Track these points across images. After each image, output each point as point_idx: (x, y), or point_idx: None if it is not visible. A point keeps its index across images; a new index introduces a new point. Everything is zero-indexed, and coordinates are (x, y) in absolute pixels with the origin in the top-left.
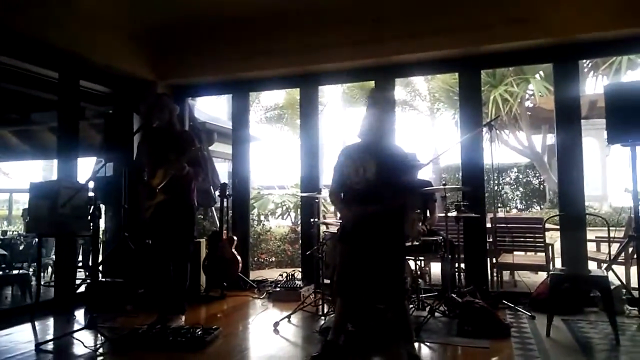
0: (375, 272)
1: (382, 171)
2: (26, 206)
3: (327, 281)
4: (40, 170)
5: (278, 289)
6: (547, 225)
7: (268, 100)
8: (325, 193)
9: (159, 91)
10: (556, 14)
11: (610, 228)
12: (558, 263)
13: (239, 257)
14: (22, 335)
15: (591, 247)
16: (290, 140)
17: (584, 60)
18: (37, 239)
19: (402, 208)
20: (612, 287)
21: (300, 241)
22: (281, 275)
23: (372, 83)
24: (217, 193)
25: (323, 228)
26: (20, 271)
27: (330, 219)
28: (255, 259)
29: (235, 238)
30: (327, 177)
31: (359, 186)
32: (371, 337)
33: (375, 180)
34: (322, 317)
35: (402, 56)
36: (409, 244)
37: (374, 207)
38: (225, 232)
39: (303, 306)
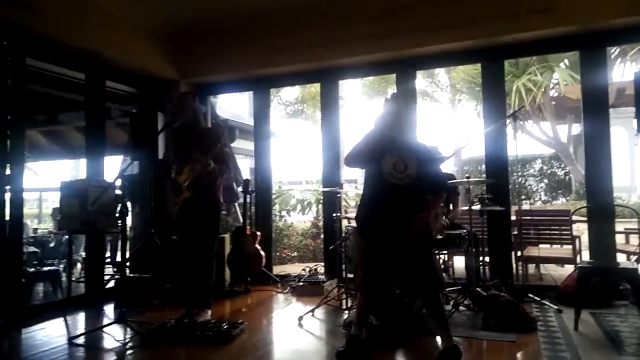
0: (406, 267)
1: (412, 169)
2: (55, 204)
3: (350, 275)
4: (67, 169)
5: (301, 284)
6: (574, 217)
7: (289, 95)
8: (346, 187)
9: (181, 90)
10: (582, 1)
11: None
12: (585, 256)
13: (262, 252)
14: (55, 330)
15: (620, 239)
16: (311, 135)
17: (611, 48)
18: (67, 236)
19: (427, 201)
20: None
21: (322, 236)
22: (304, 269)
23: (393, 76)
24: (240, 189)
25: (345, 222)
26: (52, 267)
27: (352, 214)
28: (278, 253)
29: (258, 233)
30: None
31: (387, 179)
32: (395, 330)
33: (404, 178)
34: (346, 311)
35: (423, 48)
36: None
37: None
38: (248, 227)
39: (326, 300)
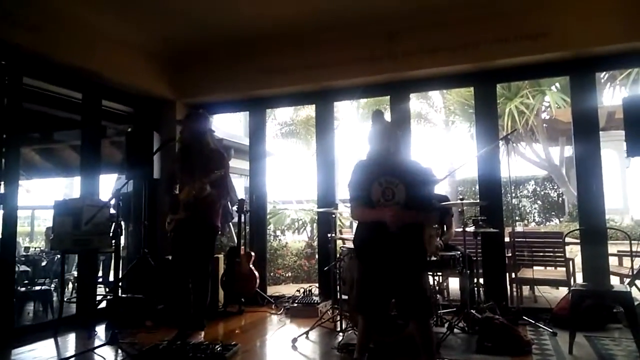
0: (398, 288)
1: (399, 196)
2: (48, 223)
3: (344, 297)
4: (61, 187)
5: (295, 305)
6: (567, 240)
7: (284, 116)
8: (341, 208)
9: (178, 110)
10: (571, 28)
11: (633, 242)
12: (579, 278)
13: (256, 273)
14: (45, 351)
15: (613, 261)
16: (305, 155)
17: (601, 73)
18: (59, 256)
19: (422, 223)
20: (636, 302)
21: (316, 256)
22: (298, 290)
23: (387, 98)
24: (234, 209)
25: (340, 243)
26: (43, 287)
27: (347, 234)
28: (272, 274)
29: (252, 254)
30: (342, 192)
31: (378, 202)
32: (391, 354)
33: (394, 197)
34: (340, 334)
35: (417, 71)
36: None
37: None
38: (242, 247)
39: (321, 322)
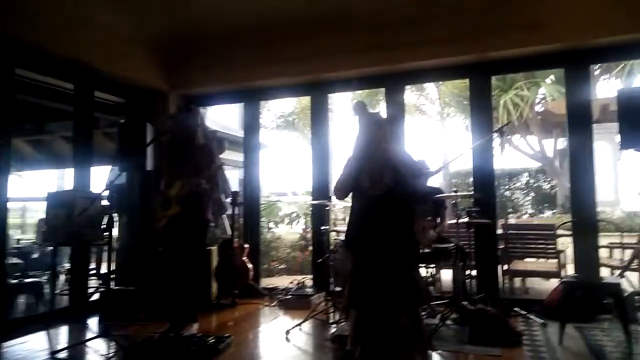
0: (389, 280)
1: (387, 178)
2: (40, 215)
3: (338, 289)
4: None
5: (289, 297)
6: (559, 232)
7: (279, 107)
8: (335, 200)
9: (171, 101)
10: (566, 20)
11: (623, 234)
12: (570, 269)
13: (249, 265)
14: (37, 344)
15: (604, 253)
16: (301, 147)
17: (595, 65)
18: (52, 248)
19: (412, 214)
20: (626, 294)
21: (310, 248)
22: (292, 282)
23: (382, 90)
24: (228, 201)
25: (334, 235)
26: (35, 279)
27: (341, 227)
28: (266, 266)
29: (246, 246)
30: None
31: (367, 192)
32: (384, 345)
33: (382, 188)
34: (333, 325)
35: (413, 63)
36: (420, 251)
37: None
38: (236, 240)
39: (314, 314)
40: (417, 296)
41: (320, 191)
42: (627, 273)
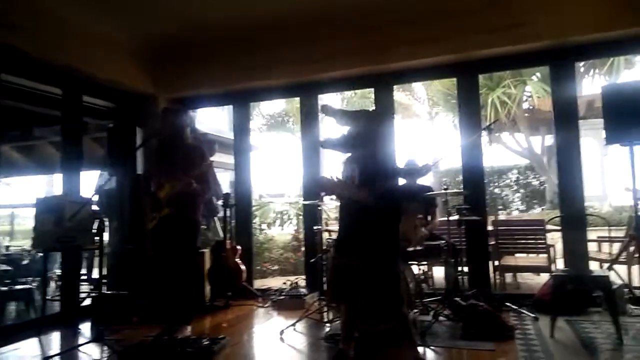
0: (362, 287)
1: (362, 179)
2: (29, 222)
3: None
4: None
5: (282, 297)
6: (548, 227)
7: (269, 108)
8: (327, 200)
9: (160, 104)
10: (550, 18)
11: (611, 227)
12: (560, 264)
13: (242, 267)
14: (29, 350)
15: (593, 247)
16: (291, 148)
17: (580, 62)
18: (42, 254)
19: (391, 216)
20: (614, 286)
21: (302, 248)
22: (285, 283)
23: (371, 90)
24: (219, 203)
25: (326, 235)
26: (25, 286)
27: (333, 227)
28: (259, 267)
29: (238, 247)
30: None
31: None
32: (377, 343)
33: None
34: (327, 324)
35: (400, 63)
36: (412, 249)
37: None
38: (228, 241)
39: (308, 314)
40: (390, 307)
41: (312, 191)
42: (616, 266)
